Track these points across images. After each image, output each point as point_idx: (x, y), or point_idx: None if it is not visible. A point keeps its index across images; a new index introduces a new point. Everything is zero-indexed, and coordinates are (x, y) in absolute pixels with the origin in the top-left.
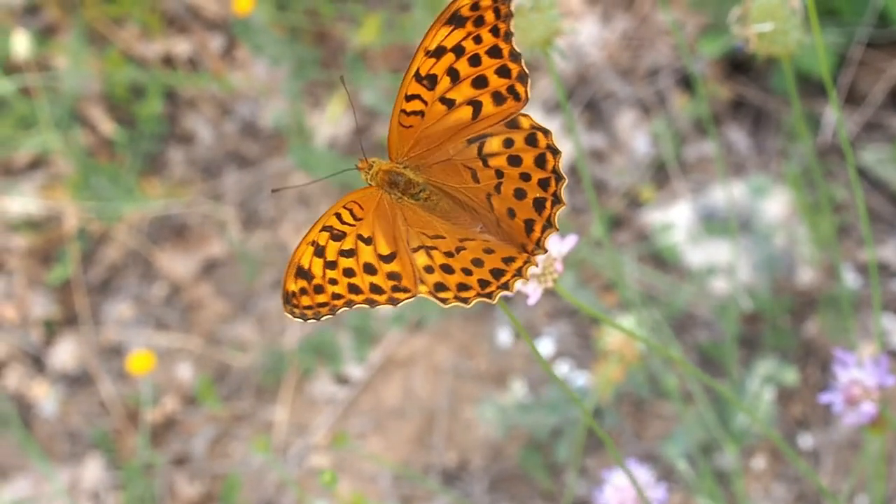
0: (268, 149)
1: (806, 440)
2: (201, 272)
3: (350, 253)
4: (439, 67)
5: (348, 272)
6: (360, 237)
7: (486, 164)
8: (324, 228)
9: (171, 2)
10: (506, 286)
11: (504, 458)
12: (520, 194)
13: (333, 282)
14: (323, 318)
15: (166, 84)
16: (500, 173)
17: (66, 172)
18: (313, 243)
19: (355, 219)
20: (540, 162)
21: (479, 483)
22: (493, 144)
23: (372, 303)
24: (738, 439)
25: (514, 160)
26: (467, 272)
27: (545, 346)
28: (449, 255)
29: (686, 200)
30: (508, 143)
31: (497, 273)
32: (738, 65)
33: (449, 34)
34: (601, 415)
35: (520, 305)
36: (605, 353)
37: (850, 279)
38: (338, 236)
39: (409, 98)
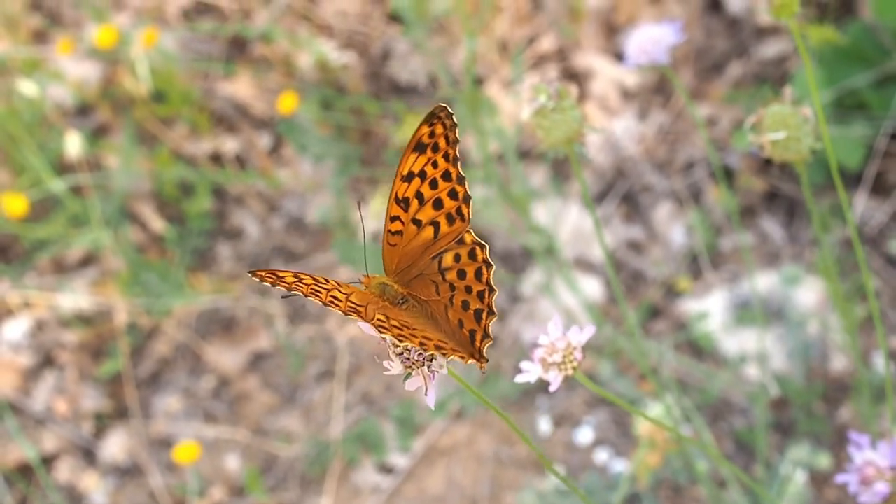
0: (314, 243)
1: None
2: (248, 365)
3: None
4: (410, 191)
5: (315, 292)
6: (338, 289)
7: (444, 278)
8: (310, 274)
9: (220, 101)
10: (443, 354)
11: None
12: (465, 306)
13: (298, 286)
14: (275, 289)
15: (215, 181)
16: (452, 286)
17: (116, 269)
18: (296, 276)
19: (339, 286)
20: (478, 275)
21: None
22: (447, 259)
23: (327, 305)
24: None
25: (461, 274)
26: (413, 337)
27: (584, 435)
28: (405, 328)
29: (721, 290)
30: (457, 258)
31: (438, 347)
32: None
33: (416, 160)
34: (639, 500)
35: (558, 394)
36: (641, 439)
37: (882, 365)
38: (316, 290)
39: (392, 219)
